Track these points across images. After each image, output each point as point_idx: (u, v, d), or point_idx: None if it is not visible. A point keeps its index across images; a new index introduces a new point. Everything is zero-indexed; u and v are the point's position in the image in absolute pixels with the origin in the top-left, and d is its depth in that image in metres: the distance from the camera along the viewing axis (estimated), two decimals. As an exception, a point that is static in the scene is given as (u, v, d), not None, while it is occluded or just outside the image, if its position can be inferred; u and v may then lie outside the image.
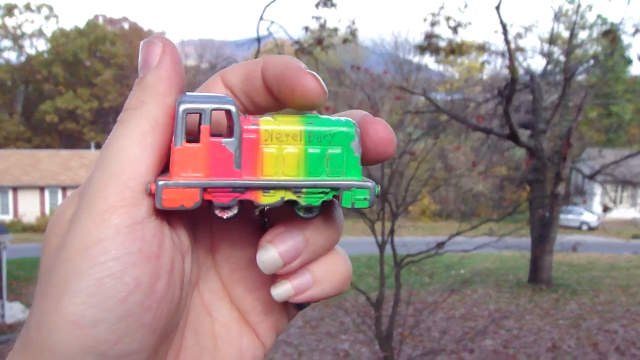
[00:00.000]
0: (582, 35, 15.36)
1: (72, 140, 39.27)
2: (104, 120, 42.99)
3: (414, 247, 6.27)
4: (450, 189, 15.03)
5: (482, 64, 13.32)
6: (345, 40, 7.65)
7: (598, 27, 15.46)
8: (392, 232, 5.88)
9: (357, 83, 7.92)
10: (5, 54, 42.56)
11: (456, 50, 9.37)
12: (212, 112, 0.35)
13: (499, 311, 10.03)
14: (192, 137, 0.35)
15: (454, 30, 9.14)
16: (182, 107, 0.34)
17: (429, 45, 9.34)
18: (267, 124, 0.35)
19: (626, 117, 26.89)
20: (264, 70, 0.37)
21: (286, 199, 0.36)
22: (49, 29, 43.01)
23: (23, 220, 26.89)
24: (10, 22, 41.74)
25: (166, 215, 0.36)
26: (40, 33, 42.60)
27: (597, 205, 24.24)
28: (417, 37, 32.05)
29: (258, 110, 0.39)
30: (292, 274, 0.38)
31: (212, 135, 0.35)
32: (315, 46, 7.06)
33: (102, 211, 0.33)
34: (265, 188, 0.35)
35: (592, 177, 11.39)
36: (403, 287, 6.19)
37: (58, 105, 38.08)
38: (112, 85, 40.87)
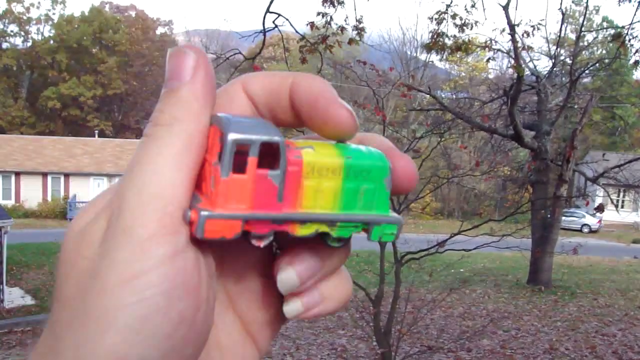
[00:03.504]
0: (589, 37, 15.33)
1: (76, 127, 39.28)
2: (108, 108, 43.04)
3: (414, 245, 6.28)
4: (453, 187, 15.03)
5: (487, 60, 13.30)
6: (350, 41, 7.60)
7: (604, 31, 15.43)
8: (393, 229, 5.86)
9: (362, 78, 7.88)
10: (12, 39, 42.57)
11: (462, 48, 9.34)
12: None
13: (497, 311, 10.04)
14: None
15: (460, 28, 9.11)
16: (232, 137, 0.32)
17: (434, 43, 9.31)
18: (309, 156, 0.35)
19: (630, 120, 26.85)
20: (294, 91, 0.36)
21: (320, 231, 0.35)
22: (56, 15, 42.95)
23: (25, 206, 26.94)
24: (17, 7, 41.76)
25: (200, 242, 0.34)
26: (47, 19, 42.62)
27: (599, 208, 24.28)
28: (425, 35, 32.02)
29: (277, 123, 0.37)
30: (303, 292, 0.38)
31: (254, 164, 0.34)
32: (320, 43, 7.04)
33: (142, 240, 0.31)
34: (303, 221, 0.35)
35: (595, 180, 11.38)
36: (402, 284, 6.19)
37: (61, 91, 38.10)
38: (116, 73, 40.88)
